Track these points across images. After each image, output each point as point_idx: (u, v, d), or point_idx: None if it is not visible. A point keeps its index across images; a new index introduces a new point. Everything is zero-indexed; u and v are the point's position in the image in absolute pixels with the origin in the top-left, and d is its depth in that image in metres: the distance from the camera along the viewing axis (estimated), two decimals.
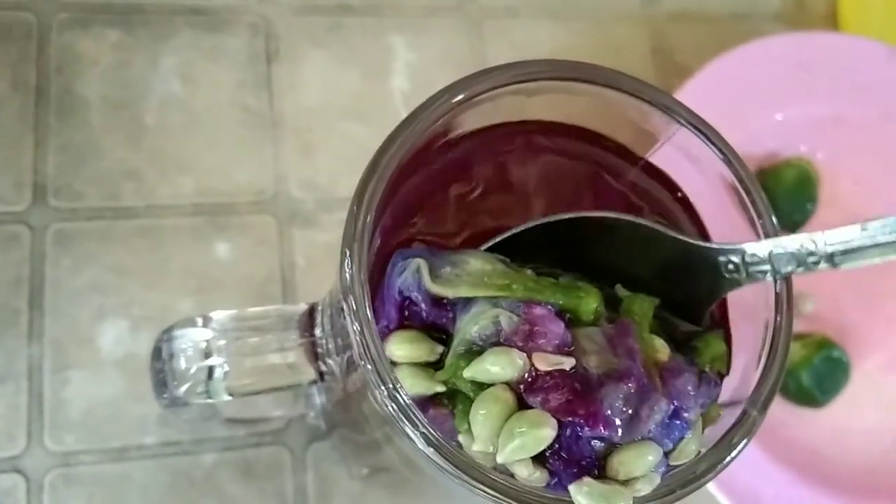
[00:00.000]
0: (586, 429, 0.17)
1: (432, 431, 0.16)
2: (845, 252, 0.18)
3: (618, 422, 0.17)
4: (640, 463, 0.17)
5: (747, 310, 0.20)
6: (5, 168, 0.36)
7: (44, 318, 0.34)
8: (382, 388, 0.16)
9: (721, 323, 0.21)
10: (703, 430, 0.18)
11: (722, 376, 0.19)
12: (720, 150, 0.19)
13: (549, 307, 0.18)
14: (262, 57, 0.40)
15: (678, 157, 0.21)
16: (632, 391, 0.17)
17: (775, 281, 0.19)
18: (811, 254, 0.18)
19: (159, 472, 0.33)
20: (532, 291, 0.18)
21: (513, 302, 0.18)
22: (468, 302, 0.18)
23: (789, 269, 0.18)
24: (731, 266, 0.19)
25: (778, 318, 0.18)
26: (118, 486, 0.33)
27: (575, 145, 0.20)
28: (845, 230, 0.18)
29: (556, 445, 0.17)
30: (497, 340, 0.17)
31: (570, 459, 0.17)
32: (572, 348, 0.18)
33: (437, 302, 0.18)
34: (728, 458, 0.17)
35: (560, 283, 0.19)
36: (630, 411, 0.17)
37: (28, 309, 0.34)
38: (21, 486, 0.32)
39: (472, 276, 0.18)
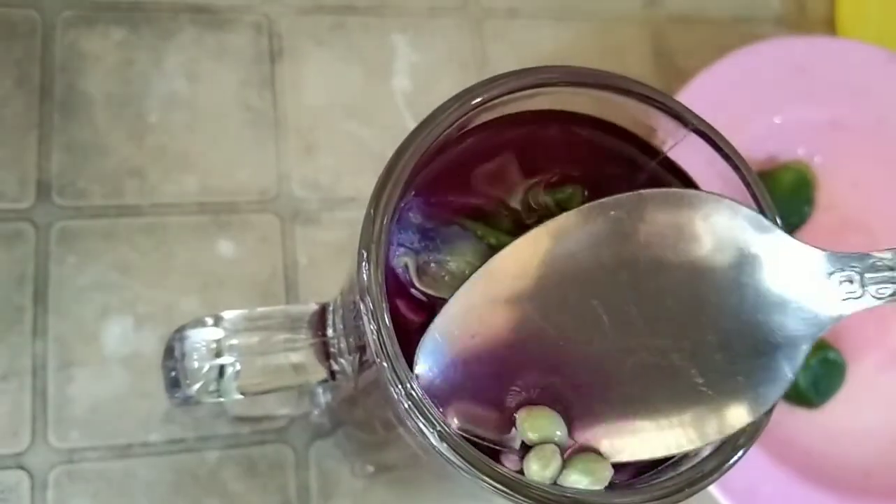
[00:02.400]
0: None
1: (447, 428, 0.17)
2: None
3: None
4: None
5: None
6: (10, 165, 0.36)
7: (48, 316, 0.34)
8: (399, 385, 0.17)
9: None
10: None
11: None
12: (727, 156, 0.19)
13: None
14: (265, 56, 0.40)
15: (684, 162, 0.21)
16: None
17: None
18: None
19: (163, 469, 0.33)
20: None
21: None
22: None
23: None
24: (846, 281, 0.17)
25: None
26: (122, 483, 0.33)
27: (596, 135, 0.20)
28: None
29: None
30: None
31: None
32: None
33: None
34: (734, 458, 0.18)
35: None
36: None
37: (32, 306, 0.34)
38: (25, 482, 0.32)
39: (456, 278, 0.19)
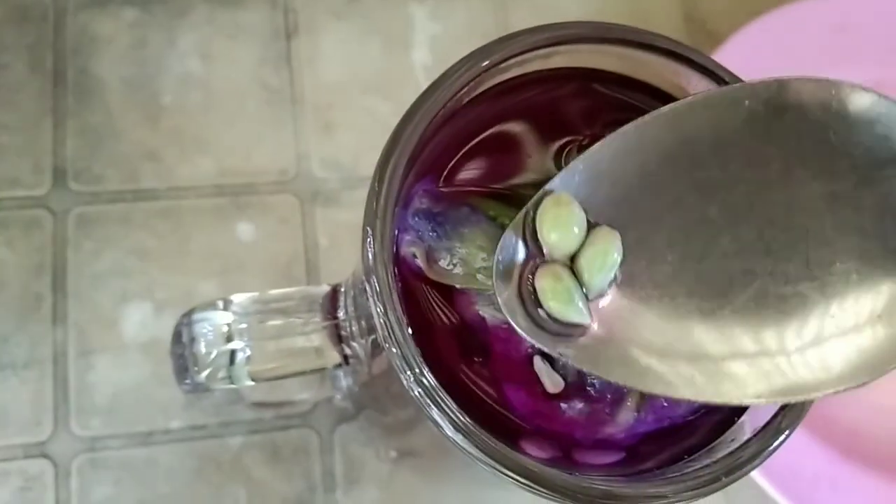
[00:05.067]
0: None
1: (460, 416, 0.16)
2: None
3: (575, 426, 0.17)
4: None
5: None
6: (25, 152, 0.35)
7: (67, 303, 0.34)
8: (408, 372, 0.15)
9: None
10: None
11: None
12: None
13: None
14: (281, 32, 0.39)
15: None
16: (597, 409, 0.17)
17: None
18: None
19: (186, 455, 0.33)
20: None
21: None
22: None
23: None
24: None
25: None
26: (145, 471, 0.32)
27: (619, 92, 0.19)
28: None
29: None
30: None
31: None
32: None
33: None
34: (776, 444, 0.16)
35: None
36: (591, 423, 0.17)
37: (51, 294, 0.34)
38: (49, 471, 0.32)
39: (468, 267, 0.18)
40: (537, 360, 0.17)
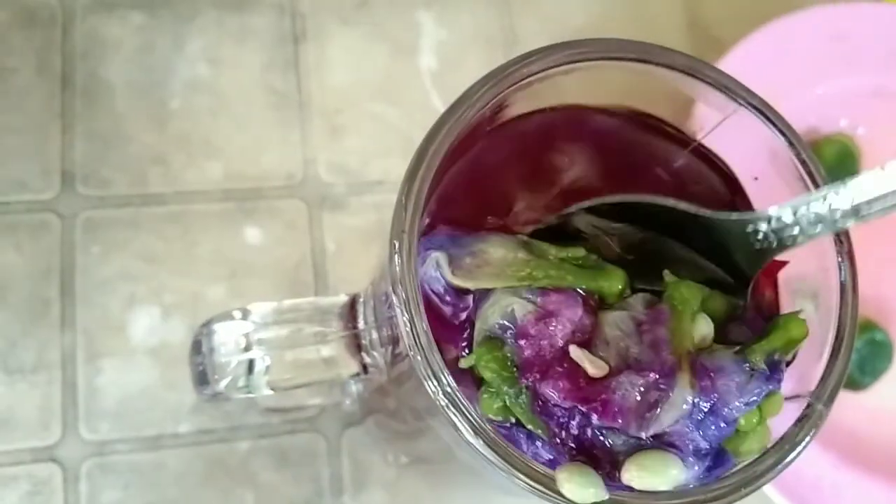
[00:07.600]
0: (595, 417, 0.16)
1: (481, 422, 0.16)
2: (869, 201, 0.16)
3: (629, 413, 0.16)
4: (660, 474, 0.16)
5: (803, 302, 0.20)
6: (33, 156, 0.35)
7: (75, 307, 0.34)
8: (433, 379, 0.16)
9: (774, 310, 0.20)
10: (765, 422, 0.18)
11: (788, 363, 0.18)
12: (782, 132, 0.18)
13: (568, 293, 0.17)
14: (288, 37, 0.39)
15: (728, 138, 0.20)
16: (649, 383, 0.17)
17: (840, 269, 0.18)
18: (835, 210, 0.16)
19: (194, 459, 0.33)
20: (553, 279, 0.18)
21: (534, 290, 0.18)
22: (489, 291, 0.18)
23: (817, 230, 0.17)
24: (760, 236, 0.17)
25: (843, 307, 0.17)
26: (153, 475, 0.33)
27: (628, 127, 0.19)
28: (865, 176, 0.16)
29: (564, 433, 0.17)
30: (514, 328, 0.17)
31: (580, 449, 0.17)
32: (587, 336, 0.17)
33: (459, 291, 0.18)
34: (793, 455, 0.17)
35: (584, 265, 0.18)
36: (645, 404, 0.17)
37: (59, 298, 0.34)
38: (58, 475, 0.32)
39: (493, 266, 0.18)
40: (573, 349, 0.17)
